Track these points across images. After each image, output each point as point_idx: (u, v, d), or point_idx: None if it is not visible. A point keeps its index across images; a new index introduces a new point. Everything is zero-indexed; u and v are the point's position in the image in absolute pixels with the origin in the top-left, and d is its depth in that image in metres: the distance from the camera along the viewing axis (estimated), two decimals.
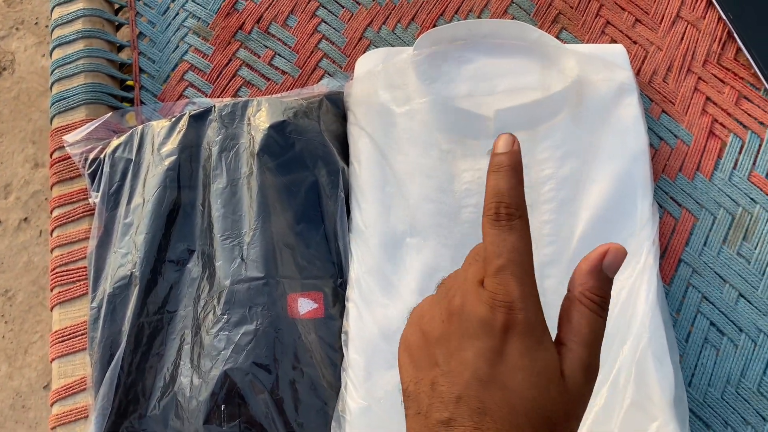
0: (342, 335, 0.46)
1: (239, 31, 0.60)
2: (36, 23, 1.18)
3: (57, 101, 0.57)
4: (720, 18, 0.54)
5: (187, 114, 0.53)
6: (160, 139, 0.52)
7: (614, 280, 0.45)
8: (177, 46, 0.60)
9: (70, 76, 0.57)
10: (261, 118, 0.51)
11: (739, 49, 0.53)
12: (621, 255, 0.29)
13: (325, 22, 0.59)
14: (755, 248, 0.48)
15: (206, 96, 0.58)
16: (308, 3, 0.60)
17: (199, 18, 0.61)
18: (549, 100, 0.49)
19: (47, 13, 1.21)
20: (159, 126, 0.53)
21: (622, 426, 0.40)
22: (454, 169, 0.48)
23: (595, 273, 0.29)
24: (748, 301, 0.47)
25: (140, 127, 0.53)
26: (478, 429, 0.26)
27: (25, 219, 1.07)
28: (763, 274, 0.47)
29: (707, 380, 0.45)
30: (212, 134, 0.52)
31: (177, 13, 0.61)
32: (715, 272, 0.48)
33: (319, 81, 0.57)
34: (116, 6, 0.63)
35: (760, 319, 0.46)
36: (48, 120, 1.15)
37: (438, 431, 0.27)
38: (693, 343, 0.46)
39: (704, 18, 0.55)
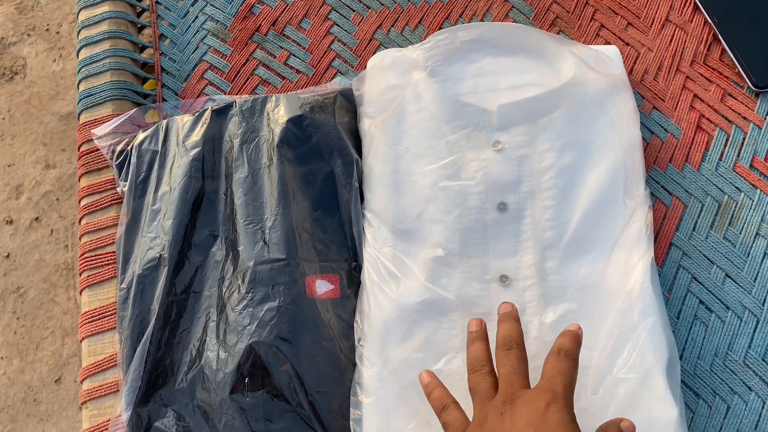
0: (357, 312, 0.50)
1: (256, 33, 0.63)
2: (47, 29, 1.21)
3: (85, 97, 0.60)
4: (706, 21, 0.59)
5: (209, 109, 0.56)
6: (184, 132, 0.56)
7: (611, 257, 0.49)
8: (197, 47, 0.64)
9: (97, 74, 0.61)
10: (280, 112, 0.55)
11: (723, 50, 0.57)
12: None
13: (337, 25, 0.63)
14: (740, 232, 0.52)
15: (225, 94, 0.62)
16: (321, 6, 0.64)
17: (218, 21, 0.64)
18: (548, 95, 0.52)
19: (58, 20, 1.24)
20: (183, 120, 0.56)
21: (618, 386, 0.44)
22: (461, 159, 0.52)
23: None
24: (734, 281, 0.50)
25: (165, 121, 0.57)
26: None
27: (37, 218, 1.10)
28: (748, 255, 0.51)
29: (697, 354, 0.49)
30: (233, 128, 0.56)
31: (196, 17, 0.65)
32: (703, 255, 0.51)
33: (331, 80, 0.61)
34: (138, 9, 0.67)
35: (745, 297, 0.50)
36: (58, 123, 1.18)
37: None
38: (684, 319, 0.50)
39: (691, 21, 0.59)
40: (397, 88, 0.54)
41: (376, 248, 0.50)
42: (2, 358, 1.04)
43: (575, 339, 0.42)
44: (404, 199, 0.51)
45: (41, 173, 1.12)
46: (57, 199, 1.11)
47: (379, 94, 0.55)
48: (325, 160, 0.54)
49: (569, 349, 0.41)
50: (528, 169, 0.51)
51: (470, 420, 0.42)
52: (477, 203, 0.51)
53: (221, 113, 0.56)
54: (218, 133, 0.56)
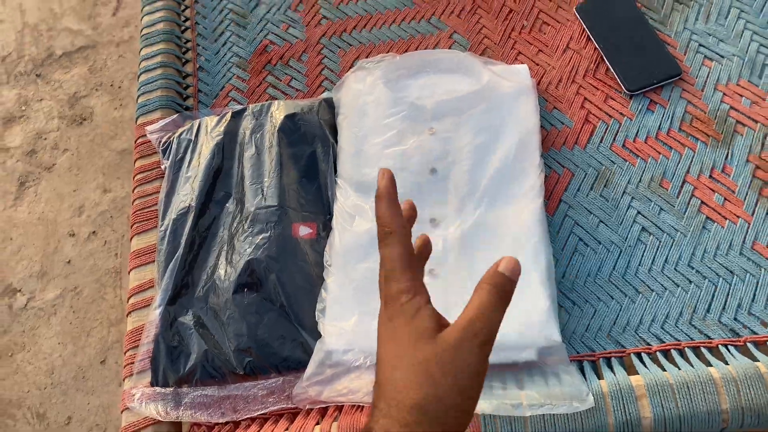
0: (327, 246, 0.68)
1: (268, 64, 0.86)
2: (111, 85, 1.49)
3: (141, 106, 0.83)
4: (595, 48, 0.79)
5: (230, 111, 0.78)
6: (211, 126, 0.77)
7: (512, 203, 0.67)
8: (224, 75, 0.86)
9: (151, 91, 0.84)
10: (280, 112, 0.76)
11: (607, 68, 0.77)
12: (513, 261, 0.40)
13: (327, 58, 0.85)
14: (612, 192, 0.70)
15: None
16: (316, 45, 0.86)
17: (241, 56, 0.87)
18: (470, 96, 0.72)
19: (120, 77, 1.52)
20: (211, 119, 0.78)
21: None
22: (405, 141, 0.72)
23: (492, 270, 0.40)
24: (606, 225, 0.68)
25: (198, 120, 0.79)
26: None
27: (94, 232, 1.33)
28: (616, 207, 0.69)
29: (575, 274, 0.66)
30: (246, 123, 0.77)
31: (225, 53, 0.88)
32: (584, 207, 0.69)
33: (320, 95, 0.83)
34: (183, 50, 0.91)
35: (613, 236, 0.67)
36: (115, 157, 1.44)
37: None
38: (566, 251, 0.67)
39: (585, 48, 0.80)
40: (363, 95, 0.75)
41: (342, 201, 0.70)
42: (59, 343, 1.24)
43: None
44: (362, 165, 0.71)
45: (99, 196, 1.36)
46: (111, 216, 1.34)
47: (351, 100, 0.76)
48: (310, 144, 0.74)
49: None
50: (452, 146, 0.71)
51: (413, 264, 0.41)
52: (416, 168, 0.70)
53: (238, 114, 0.78)
54: (235, 127, 0.77)
